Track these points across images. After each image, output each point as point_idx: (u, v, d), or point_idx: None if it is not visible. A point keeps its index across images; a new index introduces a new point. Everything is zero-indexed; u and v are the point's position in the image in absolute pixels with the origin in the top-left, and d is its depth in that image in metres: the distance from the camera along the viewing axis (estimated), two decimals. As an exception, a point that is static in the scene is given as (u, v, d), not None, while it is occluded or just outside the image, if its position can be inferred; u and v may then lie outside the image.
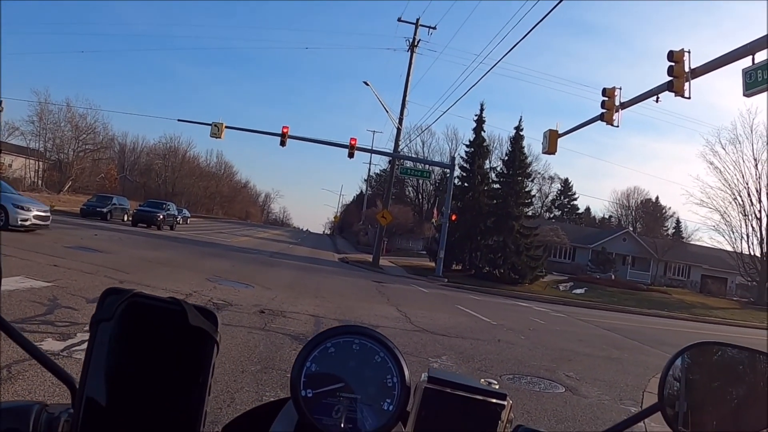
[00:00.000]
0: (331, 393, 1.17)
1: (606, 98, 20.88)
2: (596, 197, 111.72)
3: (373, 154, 73.81)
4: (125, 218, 44.57)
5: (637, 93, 20.30)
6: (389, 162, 52.14)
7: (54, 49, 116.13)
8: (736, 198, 51.13)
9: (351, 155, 36.38)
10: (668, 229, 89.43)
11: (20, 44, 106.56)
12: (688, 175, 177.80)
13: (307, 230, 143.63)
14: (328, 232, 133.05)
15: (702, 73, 17.44)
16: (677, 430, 1.30)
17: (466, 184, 46.63)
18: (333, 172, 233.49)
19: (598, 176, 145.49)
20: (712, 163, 51.92)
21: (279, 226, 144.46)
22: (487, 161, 50.36)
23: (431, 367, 1.29)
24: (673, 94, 17.76)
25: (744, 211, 51.01)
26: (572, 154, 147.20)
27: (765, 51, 15.18)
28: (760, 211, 50.10)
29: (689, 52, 17.49)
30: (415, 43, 42.29)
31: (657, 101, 18.93)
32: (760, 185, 49.53)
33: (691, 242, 73.62)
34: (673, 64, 17.51)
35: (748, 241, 51.65)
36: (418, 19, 41.98)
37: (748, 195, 50.23)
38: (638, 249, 64.83)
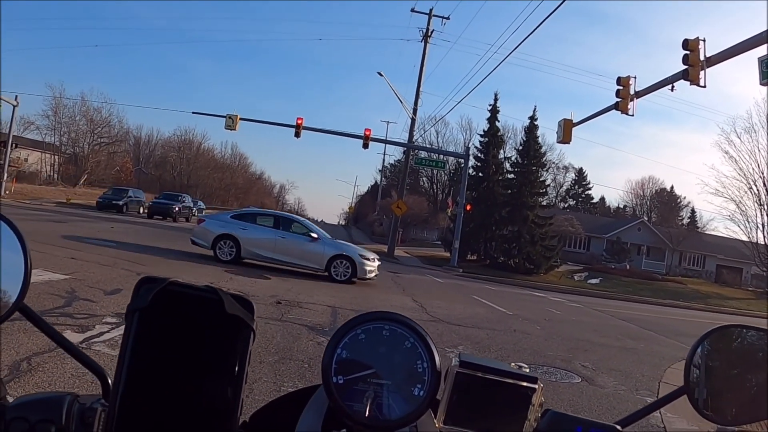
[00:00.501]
0: (362, 379, 1.17)
1: (620, 87, 20.74)
2: (611, 187, 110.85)
3: (387, 145, 73.80)
4: (141, 210, 44.82)
5: (652, 82, 20.19)
6: (404, 152, 52.24)
7: (68, 43, 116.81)
8: (751, 187, 50.54)
9: (365, 146, 36.32)
10: (683, 218, 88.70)
11: (35, 39, 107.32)
12: (703, 164, 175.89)
13: (321, 221, 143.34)
14: (343, 223, 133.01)
15: (717, 62, 17.27)
16: (705, 414, 1.30)
17: (480, 174, 46.51)
18: (347, 163, 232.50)
19: (613, 166, 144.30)
20: (727, 153, 51.01)
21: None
22: (502, 151, 50.29)
23: (462, 352, 1.30)
24: (688, 82, 17.59)
25: (759, 200, 50.43)
26: (586, 144, 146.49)
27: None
28: (775, 201, 49.56)
29: (704, 40, 17.32)
30: (429, 34, 42.23)
31: (672, 90, 18.77)
32: (775, 174, 48.98)
33: (707, 232, 73.08)
34: (688, 52, 17.36)
35: (763, 230, 51.03)
36: (431, 10, 41.97)
37: (764, 184, 49.63)
38: (653, 239, 64.43)
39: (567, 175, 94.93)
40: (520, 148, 47.28)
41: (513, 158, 48.75)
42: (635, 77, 20.65)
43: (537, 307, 20.54)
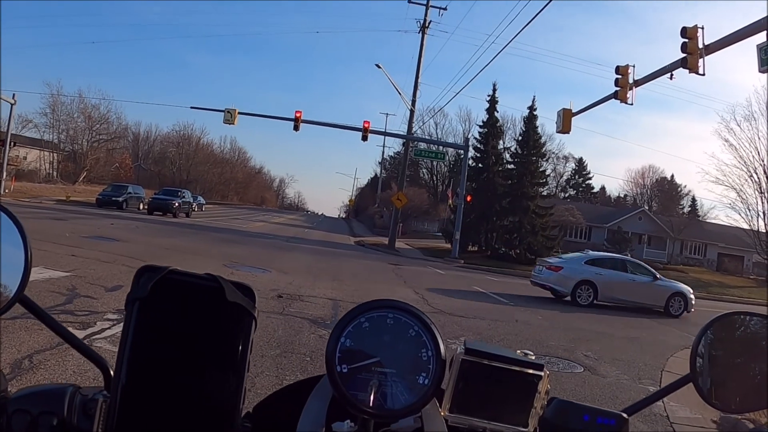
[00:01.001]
0: (366, 368, 1.16)
1: (619, 76, 20.67)
2: (611, 176, 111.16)
3: (386, 137, 73.78)
4: (141, 207, 44.71)
5: (651, 70, 20.13)
6: (403, 144, 52.20)
7: (65, 40, 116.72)
8: (752, 175, 50.44)
9: (365, 138, 36.24)
10: (684, 207, 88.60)
11: (31, 37, 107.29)
12: (703, 152, 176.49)
13: (322, 214, 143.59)
14: (344, 216, 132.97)
15: (716, 50, 17.20)
16: (711, 402, 1.30)
17: (480, 165, 46.46)
18: (347, 156, 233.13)
19: (613, 155, 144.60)
20: (727, 141, 50.88)
21: (294, 210, 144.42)
22: (501, 141, 50.42)
23: (467, 339, 1.28)
24: (687, 71, 17.54)
25: (760, 188, 50.33)
26: (586, 133, 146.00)
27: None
28: (776, 189, 49.49)
29: (703, 28, 17.24)
30: (426, 24, 42.12)
31: (671, 78, 18.73)
32: (775, 162, 48.92)
33: (707, 220, 73.13)
34: (686, 40, 17.28)
35: (764, 218, 51.02)
36: (428, 0, 41.75)
37: (765, 172, 49.55)
38: (654, 228, 64.43)
39: (567, 165, 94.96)
40: (520, 138, 47.26)
41: (513, 149, 48.84)
42: (634, 66, 20.58)
43: (538, 298, 20.53)
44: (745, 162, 50.41)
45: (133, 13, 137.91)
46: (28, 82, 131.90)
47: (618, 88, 20.77)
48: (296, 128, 35.34)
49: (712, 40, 17.30)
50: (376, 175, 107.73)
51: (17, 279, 1.08)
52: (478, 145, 47.35)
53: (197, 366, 1.07)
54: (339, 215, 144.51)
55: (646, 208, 77.16)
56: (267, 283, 13.75)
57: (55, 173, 66.05)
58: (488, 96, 47.71)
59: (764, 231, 51.12)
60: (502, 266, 36.86)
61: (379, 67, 41.82)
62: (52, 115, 68.78)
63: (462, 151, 43.66)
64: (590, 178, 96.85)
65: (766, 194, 49.96)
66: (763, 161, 49.17)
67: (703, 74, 17.40)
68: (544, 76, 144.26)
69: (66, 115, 70.50)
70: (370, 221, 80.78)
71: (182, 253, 18.14)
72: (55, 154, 68.10)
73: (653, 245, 64.19)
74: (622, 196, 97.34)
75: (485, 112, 48.26)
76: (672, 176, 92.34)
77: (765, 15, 15.47)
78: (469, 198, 39.96)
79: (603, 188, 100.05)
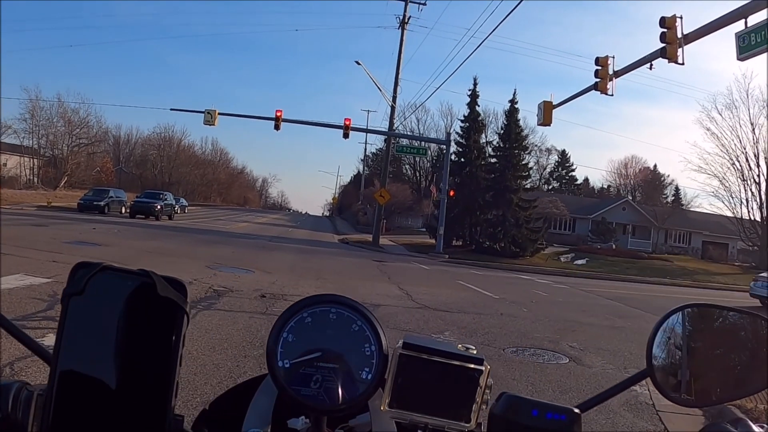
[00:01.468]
0: (309, 363, 1.16)
1: (599, 67, 20.78)
2: (594, 167, 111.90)
3: (368, 134, 73.75)
4: (123, 210, 44.50)
5: (631, 61, 20.25)
6: (385, 141, 52.11)
7: (42, 44, 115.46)
8: (734, 163, 51.02)
9: (346, 135, 36.21)
10: (668, 196, 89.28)
11: (7, 42, 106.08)
12: (685, 141, 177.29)
13: (306, 213, 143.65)
14: (327, 214, 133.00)
15: (695, 39, 17.32)
16: (669, 396, 1.29)
17: (462, 160, 46.53)
18: (329, 154, 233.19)
19: (595, 146, 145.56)
20: (708, 129, 51.49)
21: (278, 210, 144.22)
22: (483, 135, 50.38)
23: (407, 334, 1.27)
24: (666, 60, 17.66)
25: (742, 176, 50.90)
26: (568, 125, 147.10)
27: (757, 14, 15.07)
28: (758, 176, 49.99)
29: (681, 17, 17.35)
30: (406, 20, 42.08)
31: (651, 68, 18.86)
32: (757, 150, 49.39)
33: (691, 209, 73.77)
34: (665, 30, 17.38)
35: (747, 206, 51.56)
36: (407, -5, 41.72)
37: (746, 160, 50.12)
38: (638, 217, 64.83)
39: (550, 157, 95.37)
40: (502, 132, 47.25)
41: (495, 142, 48.82)
42: (614, 57, 20.72)
43: (523, 290, 20.59)
44: (727, 150, 50.99)
45: (112, 14, 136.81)
46: (4, 87, 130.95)
47: (598, 80, 20.90)
48: (277, 127, 35.26)
49: (691, 29, 17.42)
50: (359, 172, 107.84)
51: None
52: (460, 140, 47.46)
53: (128, 360, 1.06)
54: (323, 213, 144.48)
55: (630, 198, 77.63)
56: (250, 284, 13.68)
57: (35, 179, 65.50)
58: (469, 90, 47.82)
59: (748, 218, 51.65)
60: (486, 260, 36.97)
61: (359, 63, 41.84)
62: (31, 121, 68.16)
63: (444, 146, 43.70)
64: (573, 170, 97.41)
65: (748, 182, 50.48)
66: (744, 149, 49.66)
67: (683, 63, 17.52)
68: (525, 69, 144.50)
69: (45, 120, 69.88)
70: (353, 218, 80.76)
71: (165, 255, 18.03)
72: (35, 160, 67.50)
73: (638, 235, 64.66)
74: (605, 187, 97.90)
75: (466, 107, 48.40)
76: (655, 166, 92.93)
77: (742, 3, 15.60)
78: (452, 193, 39.99)
79: (586, 180, 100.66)
